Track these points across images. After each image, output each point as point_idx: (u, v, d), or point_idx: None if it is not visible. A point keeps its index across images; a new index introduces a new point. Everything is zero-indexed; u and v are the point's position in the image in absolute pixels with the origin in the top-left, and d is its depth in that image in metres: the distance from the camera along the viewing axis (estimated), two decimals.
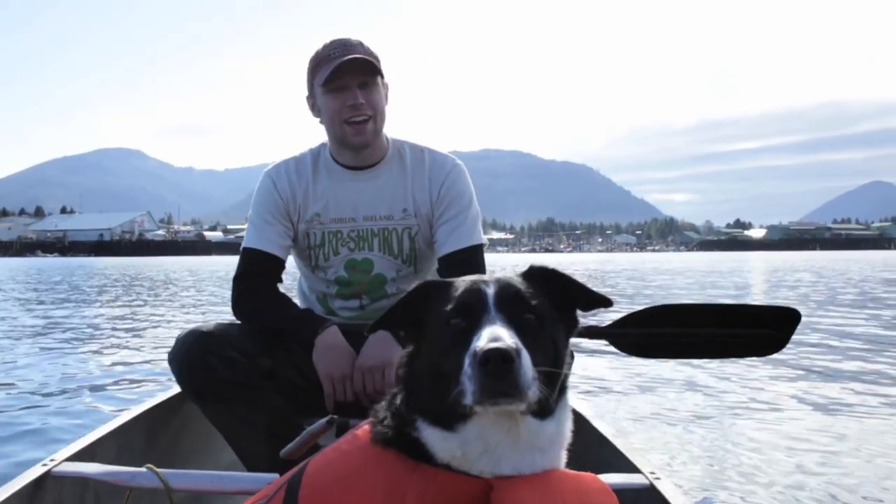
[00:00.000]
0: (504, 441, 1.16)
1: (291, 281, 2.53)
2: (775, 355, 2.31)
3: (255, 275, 2.46)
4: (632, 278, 27.14)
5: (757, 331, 2.28)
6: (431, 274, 2.64)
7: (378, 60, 2.39)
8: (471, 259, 2.46)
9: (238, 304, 2.44)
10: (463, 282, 1.25)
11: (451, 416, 1.15)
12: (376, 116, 2.38)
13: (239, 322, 2.43)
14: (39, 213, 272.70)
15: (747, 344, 2.31)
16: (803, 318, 2.26)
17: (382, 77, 2.42)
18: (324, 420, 1.65)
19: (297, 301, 2.61)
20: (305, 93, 2.48)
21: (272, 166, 2.56)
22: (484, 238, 2.55)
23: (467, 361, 1.08)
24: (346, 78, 2.32)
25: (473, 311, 1.18)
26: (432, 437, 1.18)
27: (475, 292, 1.21)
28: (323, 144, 2.55)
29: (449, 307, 1.20)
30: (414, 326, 1.28)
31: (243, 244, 2.50)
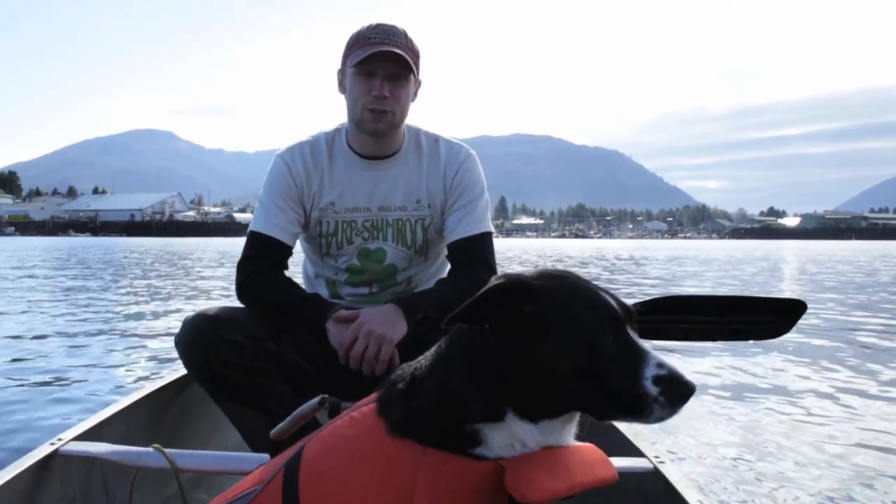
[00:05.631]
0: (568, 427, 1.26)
1: (294, 266, 2.51)
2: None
3: (262, 260, 2.45)
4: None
5: (762, 317, 2.34)
6: (440, 261, 2.66)
7: (417, 57, 2.37)
8: (479, 246, 2.48)
9: (243, 288, 2.43)
10: (581, 289, 1.25)
11: (549, 413, 1.21)
12: (397, 111, 2.36)
13: (244, 306, 2.42)
14: (72, 193, 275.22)
15: (750, 329, 2.38)
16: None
17: (416, 74, 2.39)
18: (315, 400, 1.66)
19: (301, 283, 2.60)
20: (338, 66, 2.44)
21: (286, 149, 2.52)
22: (492, 227, 2.56)
23: (657, 388, 1.12)
24: (377, 66, 2.29)
25: (621, 325, 1.20)
26: (522, 429, 1.20)
27: (612, 305, 1.22)
28: (338, 130, 2.53)
29: (595, 318, 1.19)
30: (501, 321, 1.22)
31: (251, 227, 2.49)
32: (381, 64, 2.28)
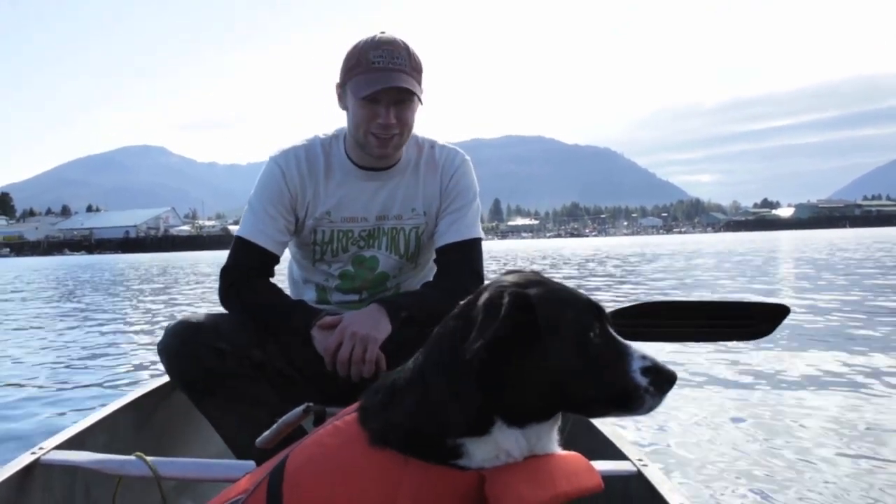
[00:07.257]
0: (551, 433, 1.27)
1: (280, 266, 2.45)
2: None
3: (247, 268, 2.39)
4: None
5: (746, 321, 2.42)
6: (429, 267, 2.63)
7: (420, 72, 2.28)
8: (468, 252, 2.46)
9: (227, 295, 2.39)
10: (564, 292, 1.26)
11: (539, 417, 1.21)
12: (404, 133, 2.31)
13: (228, 312, 2.38)
14: (66, 212, 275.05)
15: (734, 331, 2.47)
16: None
17: (421, 91, 2.29)
18: (300, 409, 1.64)
19: (285, 286, 2.57)
20: (336, 80, 2.34)
21: (280, 153, 2.45)
22: (482, 233, 2.53)
23: (646, 378, 1.16)
24: (382, 93, 2.21)
25: (603, 323, 1.23)
26: (509, 438, 1.20)
27: (594, 303, 1.24)
28: (336, 137, 2.47)
29: (583, 320, 1.21)
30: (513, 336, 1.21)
31: (239, 232, 2.43)
32: (386, 92, 2.21)
